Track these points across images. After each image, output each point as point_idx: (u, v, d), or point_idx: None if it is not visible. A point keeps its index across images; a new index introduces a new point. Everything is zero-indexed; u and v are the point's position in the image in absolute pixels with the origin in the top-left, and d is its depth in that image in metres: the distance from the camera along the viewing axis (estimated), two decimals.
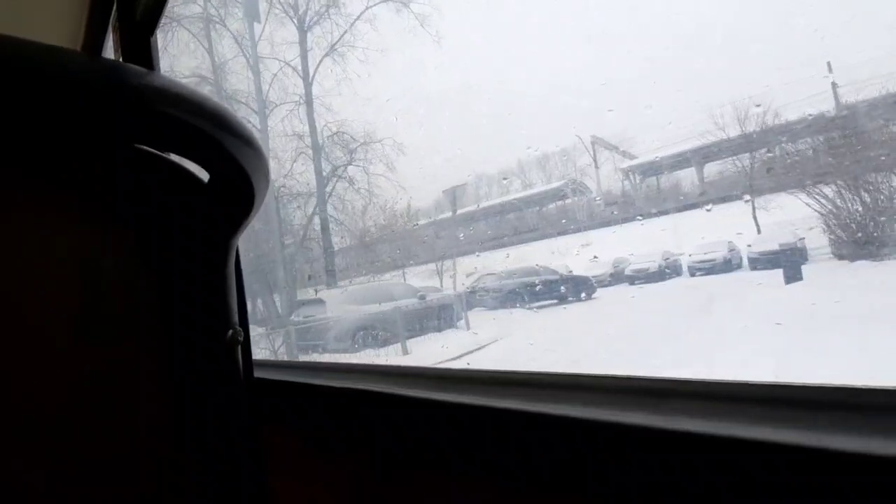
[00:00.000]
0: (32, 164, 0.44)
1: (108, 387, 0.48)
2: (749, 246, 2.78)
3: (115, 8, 1.26)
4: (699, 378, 0.42)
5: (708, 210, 3.04)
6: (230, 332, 0.57)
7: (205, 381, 0.55)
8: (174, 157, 0.49)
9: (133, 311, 0.50)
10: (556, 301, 3.69)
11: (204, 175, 0.51)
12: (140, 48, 1.15)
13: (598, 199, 4.04)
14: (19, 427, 0.44)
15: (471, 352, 3.60)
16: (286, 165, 6.64)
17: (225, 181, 0.50)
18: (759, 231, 2.72)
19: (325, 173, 6.51)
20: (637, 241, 3.45)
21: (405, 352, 4.41)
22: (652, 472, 0.36)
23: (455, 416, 0.51)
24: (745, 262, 2.86)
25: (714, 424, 0.34)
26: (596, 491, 0.40)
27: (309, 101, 6.57)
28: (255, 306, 6.61)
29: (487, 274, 4.27)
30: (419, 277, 5.38)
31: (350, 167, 6.45)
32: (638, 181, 3.97)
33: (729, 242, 2.97)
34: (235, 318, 0.58)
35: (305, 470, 0.77)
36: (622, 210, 4.11)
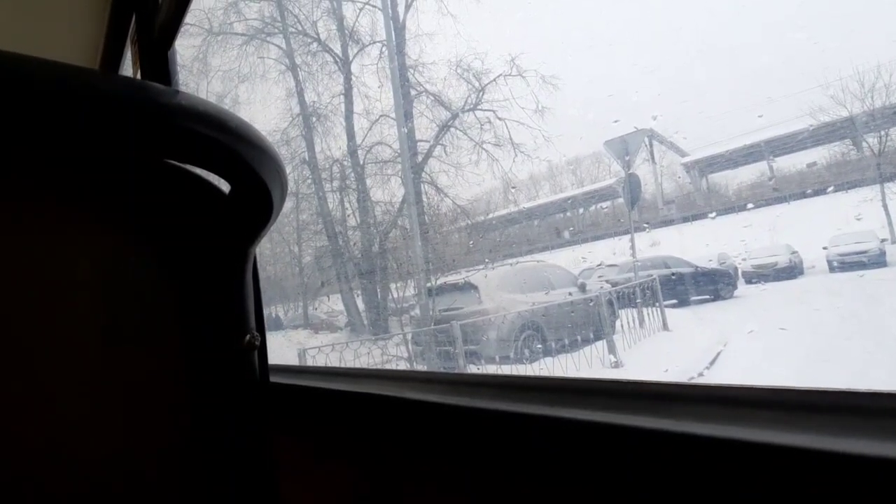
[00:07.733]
0: (63, 181, 0.47)
1: (131, 393, 0.50)
2: None
3: (133, 22, 1.31)
4: (706, 383, 0.43)
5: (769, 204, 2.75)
6: (247, 336, 0.59)
7: (223, 385, 0.57)
8: (198, 171, 0.52)
9: (156, 319, 0.52)
10: (708, 297, 3.24)
11: (225, 187, 0.53)
12: (158, 62, 1.19)
13: (667, 200, 3.79)
14: (51, 434, 0.46)
15: (709, 366, 2.64)
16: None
17: (245, 193, 0.52)
18: (889, 221, 2.33)
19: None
20: (728, 236, 3.06)
21: (616, 363, 3.17)
22: (661, 473, 0.37)
23: (469, 421, 0.52)
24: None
25: (720, 427, 0.35)
26: (605, 492, 0.41)
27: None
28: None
29: (608, 265, 3.65)
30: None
31: (477, 112, 5.17)
32: (697, 176, 3.74)
33: (872, 232, 2.47)
34: (253, 322, 0.60)
35: (318, 475, 0.78)
36: (684, 207, 3.85)
